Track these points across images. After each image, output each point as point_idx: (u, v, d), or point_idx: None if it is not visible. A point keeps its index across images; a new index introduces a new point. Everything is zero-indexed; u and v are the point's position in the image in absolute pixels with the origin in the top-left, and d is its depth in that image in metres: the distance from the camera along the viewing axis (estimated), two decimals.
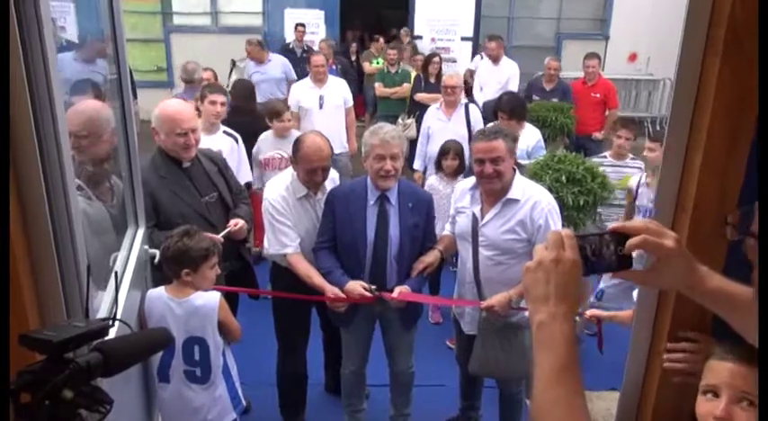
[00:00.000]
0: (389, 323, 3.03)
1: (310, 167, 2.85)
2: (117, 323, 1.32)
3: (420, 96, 6.34)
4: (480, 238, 2.76)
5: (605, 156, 4.13)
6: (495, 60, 6.98)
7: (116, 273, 1.84)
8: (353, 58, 9.33)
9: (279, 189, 2.95)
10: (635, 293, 2.26)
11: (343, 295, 2.81)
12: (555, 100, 6.18)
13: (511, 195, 2.72)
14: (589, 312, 2.76)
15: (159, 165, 2.86)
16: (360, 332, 3.05)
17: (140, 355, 1.24)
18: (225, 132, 4.17)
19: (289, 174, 3.00)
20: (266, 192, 3.01)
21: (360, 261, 2.81)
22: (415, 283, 2.86)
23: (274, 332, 3.20)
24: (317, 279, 2.85)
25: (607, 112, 6.37)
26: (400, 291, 2.79)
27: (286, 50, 8.12)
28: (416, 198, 2.88)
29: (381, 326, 3.09)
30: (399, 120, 6.33)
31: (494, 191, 2.72)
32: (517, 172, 2.81)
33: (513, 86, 6.72)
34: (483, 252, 2.77)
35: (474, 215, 2.79)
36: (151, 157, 2.91)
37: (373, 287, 2.79)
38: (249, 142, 4.42)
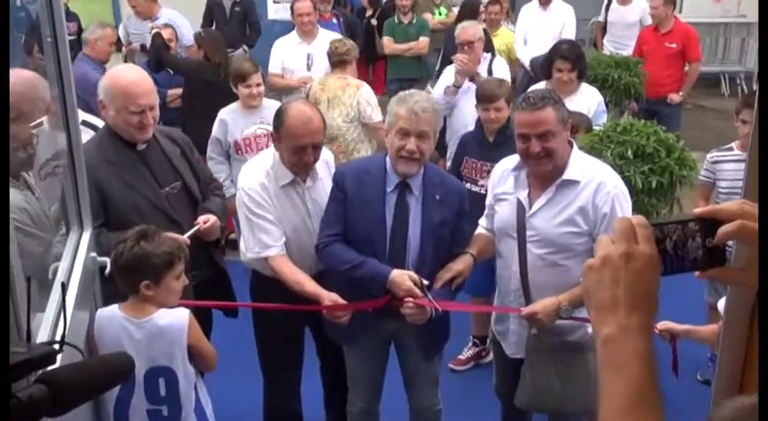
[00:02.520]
0: (407, 347, 3.05)
1: (297, 145, 2.87)
2: (66, 348, 1.36)
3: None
4: (529, 232, 2.76)
5: (731, 148, 4.06)
6: (545, 3, 6.87)
7: (63, 283, 1.88)
8: (370, 12, 8.97)
9: (257, 175, 2.97)
10: (721, 302, 2.27)
11: (343, 301, 2.82)
12: None
13: (568, 175, 2.71)
14: (660, 325, 2.75)
15: (107, 148, 2.90)
16: (368, 357, 3.08)
17: (96, 388, 1.27)
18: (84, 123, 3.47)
19: (270, 155, 3.02)
20: (241, 180, 3.03)
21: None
22: (440, 297, 2.82)
23: (258, 360, 3.24)
24: (308, 285, 2.88)
25: (687, 67, 6.35)
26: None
27: (212, 4, 7.58)
28: (446, 189, 2.89)
29: (397, 351, 3.12)
30: (429, 88, 6.14)
31: (544, 172, 2.73)
32: (575, 146, 2.82)
33: (569, 37, 6.61)
34: (532, 250, 2.76)
35: (520, 202, 2.79)
36: (97, 138, 2.95)
37: (426, 283, 2.76)
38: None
